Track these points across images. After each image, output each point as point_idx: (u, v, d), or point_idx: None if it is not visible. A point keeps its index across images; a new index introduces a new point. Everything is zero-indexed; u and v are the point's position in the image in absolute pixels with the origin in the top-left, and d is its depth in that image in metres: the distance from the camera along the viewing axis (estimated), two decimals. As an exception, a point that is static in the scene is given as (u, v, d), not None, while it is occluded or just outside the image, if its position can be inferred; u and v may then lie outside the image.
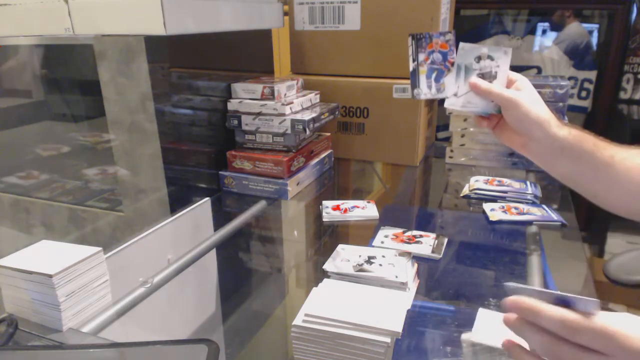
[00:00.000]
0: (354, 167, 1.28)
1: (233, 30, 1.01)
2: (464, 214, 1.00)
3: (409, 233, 0.83)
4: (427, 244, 0.80)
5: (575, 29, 1.95)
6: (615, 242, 1.99)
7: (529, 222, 0.87)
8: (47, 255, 0.58)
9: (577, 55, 1.94)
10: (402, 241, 0.81)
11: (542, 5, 1.97)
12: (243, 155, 1.05)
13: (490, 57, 0.64)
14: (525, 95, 0.61)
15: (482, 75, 0.65)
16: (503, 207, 0.93)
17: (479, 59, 0.65)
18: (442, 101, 0.67)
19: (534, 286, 0.46)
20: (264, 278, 0.84)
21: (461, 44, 0.65)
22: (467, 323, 0.61)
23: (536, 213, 0.90)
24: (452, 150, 1.22)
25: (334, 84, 1.22)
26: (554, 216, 0.89)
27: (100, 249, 0.60)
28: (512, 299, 0.42)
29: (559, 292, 0.41)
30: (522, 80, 0.65)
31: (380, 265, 0.66)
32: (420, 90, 0.66)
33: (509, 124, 0.63)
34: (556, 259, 0.78)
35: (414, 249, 0.78)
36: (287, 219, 1.04)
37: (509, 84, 0.65)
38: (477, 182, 1.03)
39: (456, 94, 0.66)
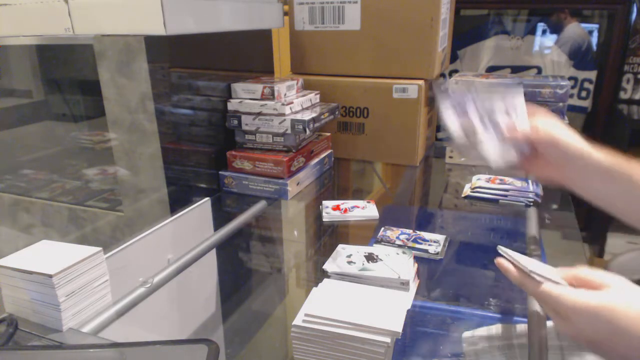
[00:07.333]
0: (354, 167, 1.28)
1: (233, 30, 1.01)
2: (464, 214, 1.00)
3: (410, 232, 0.83)
4: (431, 244, 0.80)
5: (575, 29, 1.95)
6: (615, 242, 1.99)
7: (502, 197, 0.97)
8: (47, 255, 0.58)
9: (577, 55, 1.94)
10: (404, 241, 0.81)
11: (542, 5, 1.97)
12: (243, 155, 1.05)
13: (504, 97, 0.63)
14: (558, 131, 0.62)
15: (505, 116, 0.62)
16: (489, 179, 1.01)
17: (495, 102, 0.63)
18: None
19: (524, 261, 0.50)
20: (264, 278, 0.84)
21: (473, 97, 0.63)
22: (467, 323, 0.61)
23: (515, 184, 0.98)
24: (452, 150, 1.22)
25: (334, 84, 1.22)
26: (532, 188, 0.96)
27: (100, 249, 0.60)
28: (497, 259, 0.54)
29: (529, 269, 0.49)
30: (535, 108, 0.64)
31: (382, 260, 0.66)
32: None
33: (546, 160, 0.63)
34: (556, 259, 0.78)
35: (416, 248, 0.78)
36: (287, 219, 1.04)
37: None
38: (479, 181, 1.03)
39: (493, 148, 0.63)
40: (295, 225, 1.02)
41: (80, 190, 1.15)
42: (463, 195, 1.03)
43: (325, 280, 0.63)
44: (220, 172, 1.08)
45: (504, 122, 0.63)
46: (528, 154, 0.64)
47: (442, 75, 1.97)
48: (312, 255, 0.87)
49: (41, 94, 1.20)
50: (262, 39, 1.21)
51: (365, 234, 0.91)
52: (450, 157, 1.22)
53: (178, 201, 0.92)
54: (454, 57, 2.05)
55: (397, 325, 0.51)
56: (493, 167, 0.64)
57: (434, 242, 0.80)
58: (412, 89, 1.14)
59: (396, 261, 0.67)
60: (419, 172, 1.22)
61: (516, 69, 1.99)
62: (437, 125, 1.45)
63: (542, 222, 0.89)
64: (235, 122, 1.06)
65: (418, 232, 0.84)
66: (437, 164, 1.29)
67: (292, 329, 0.53)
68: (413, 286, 0.65)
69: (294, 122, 1.01)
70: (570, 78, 1.93)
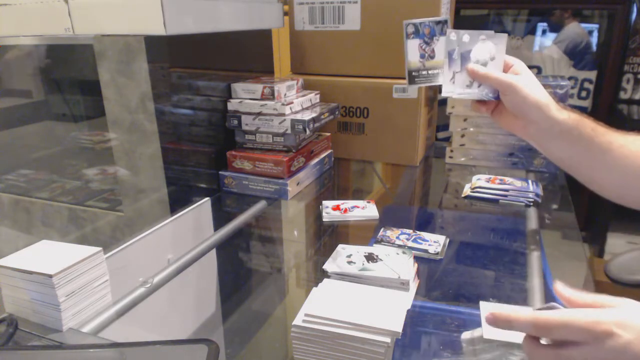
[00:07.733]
0: (354, 167, 1.28)
1: (233, 30, 1.01)
2: (464, 214, 1.00)
3: (410, 232, 0.83)
4: (431, 244, 0.80)
5: (574, 29, 1.95)
6: (615, 242, 1.99)
7: (502, 197, 0.97)
8: (47, 255, 0.58)
9: (577, 55, 1.94)
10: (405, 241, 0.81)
11: (542, 5, 1.97)
12: (243, 155, 1.05)
13: (485, 43, 0.64)
14: (524, 79, 0.61)
15: (478, 61, 0.65)
16: (489, 179, 1.01)
17: (474, 45, 0.65)
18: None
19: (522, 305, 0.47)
20: (264, 278, 0.84)
21: (455, 31, 0.65)
22: (467, 323, 0.61)
23: (515, 184, 0.98)
24: (452, 150, 1.22)
25: (334, 84, 1.22)
26: (532, 188, 0.96)
27: (100, 249, 0.60)
28: (489, 314, 0.43)
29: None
30: (519, 64, 0.65)
31: (382, 260, 0.66)
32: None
33: (507, 108, 0.63)
34: (556, 259, 0.78)
35: (416, 248, 0.78)
36: (287, 219, 1.04)
37: (505, 68, 0.65)
38: (479, 181, 1.03)
39: (453, 81, 0.66)
40: (295, 225, 1.02)
41: (80, 190, 1.15)
42: (463, 195, 1.03)
43: (325, 280, 0.64)
44: (220, 172, 1.08)
45: (472, 62, 0.64)
46: (492, 97, 0.64)
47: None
48: (312, 255, 0.87)
49: (41, 94, 1.20)
50: (262, 39, 1.21)
51: (365, 234, 0.91)
52: (450, 157, 1.22)
53: (178, 201, 0.92)
54: (454, 57, 2.05)
55: (397, 325, 0.51)
56: (443, 93, 0.67)
57: (434, 242, 0.80)
58: (412, 89, 1.14)
59: (396, 261, 0.67)
60: (419, 172, 1.22)
61: (516, 69, 1.99)
62: (437, 125, 1.45)
63: (542, 222, 0.89)
64: (235, 122, 1.06)
65: (418, 232, 0.84)
66: (437, 164, 1.29)
67: (292, 329, 0.53)
68: (413, 286, 0.65)
69: (294, 122, 1.01)
70: (570, 78, 1.94)
